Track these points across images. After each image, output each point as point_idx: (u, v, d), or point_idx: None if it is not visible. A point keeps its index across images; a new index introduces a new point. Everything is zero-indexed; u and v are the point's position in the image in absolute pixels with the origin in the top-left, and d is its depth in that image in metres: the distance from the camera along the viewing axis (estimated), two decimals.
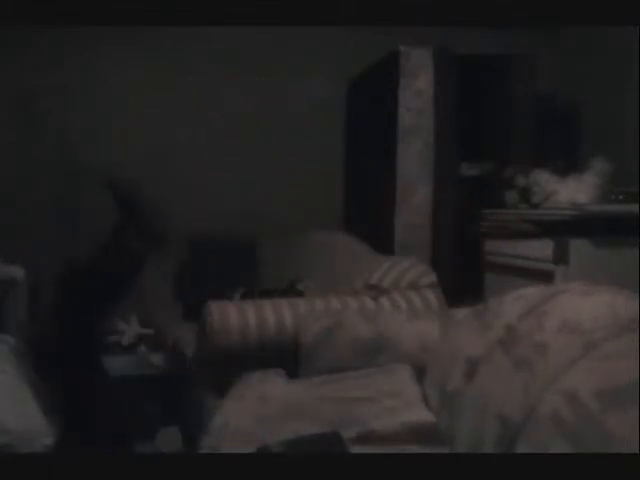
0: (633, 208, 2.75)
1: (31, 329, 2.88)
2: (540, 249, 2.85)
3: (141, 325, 3.40)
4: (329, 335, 2.07)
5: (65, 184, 3.86)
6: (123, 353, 3.26)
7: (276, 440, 1.46)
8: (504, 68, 3.60)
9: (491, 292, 2.92)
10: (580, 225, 2.75)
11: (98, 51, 3.86)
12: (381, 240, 3.28)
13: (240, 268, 3.63)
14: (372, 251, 3.03)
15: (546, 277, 2.73)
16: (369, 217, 3.68)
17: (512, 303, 1.61)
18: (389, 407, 1.63)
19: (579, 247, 2.75)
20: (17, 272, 2.92)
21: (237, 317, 2.17)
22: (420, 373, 1.83)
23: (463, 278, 3.27)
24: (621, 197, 2.92)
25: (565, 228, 2.78)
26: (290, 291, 2.87)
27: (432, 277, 2.55)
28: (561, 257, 2.75)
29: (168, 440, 2.73)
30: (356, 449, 1.46)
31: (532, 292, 1.62)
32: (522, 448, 1.27)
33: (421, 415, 1.59)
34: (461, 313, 1.94)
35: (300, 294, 2.80)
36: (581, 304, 1.45)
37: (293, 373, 2.02)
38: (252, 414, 1.71)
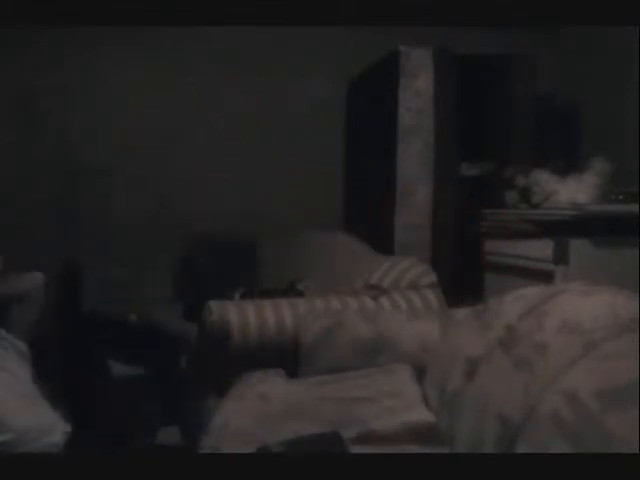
0: (633, 208, 2.75)
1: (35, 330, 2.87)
2: (540, 249, 2.84)
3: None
4: (329, 335, 2.07)
5: (65, 184, 3.86)
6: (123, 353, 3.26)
7: (276, 440, 1.46)
8: (504, 68, 3.60)
9: (491, 292, 2.91)
10: (580, 225, 2.75)
11: (98, 51, 3.86)
12: (381, 240, 3.28)
13: (240, 268, 3.63)
14: (372, 251, 3.03)
15: (546, 277, 2.72)
16: (369, 217, 3.67)
17: (512, 303, 1.61)
18: (389, 407, 1.63)
19: (579, 247, 2.74)
20: (39, 278, 2.89)
21: (237, 317, 2.17)
22: (420, 373, 1.83)
23: (463, 278, 3.27)
24: (621, 197, 2.92)
25: (565, 228, 2.78)
26: (290, 291, 2.87)
27: (432, 277, 2.54)
28: (561, 257, 2.75)
29: (168, 440, 2.73)
30: (356, 449, 1.46)
31: (532, 292, 1.62)
32: (522, 448, 1.27)
33: (421, 415, 1.59)
34: (461, 313, 1.94)
35: (300, 294, 2.79)
36: (581, 304, 1.45)
37: (293, 373, 2.02)
38: (252, 414, 1.71)
